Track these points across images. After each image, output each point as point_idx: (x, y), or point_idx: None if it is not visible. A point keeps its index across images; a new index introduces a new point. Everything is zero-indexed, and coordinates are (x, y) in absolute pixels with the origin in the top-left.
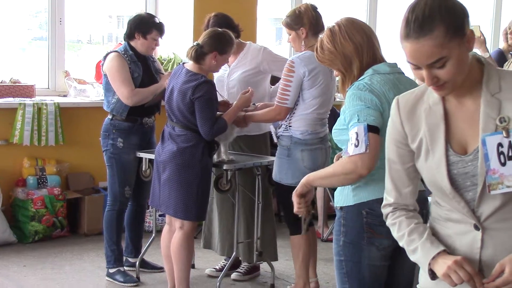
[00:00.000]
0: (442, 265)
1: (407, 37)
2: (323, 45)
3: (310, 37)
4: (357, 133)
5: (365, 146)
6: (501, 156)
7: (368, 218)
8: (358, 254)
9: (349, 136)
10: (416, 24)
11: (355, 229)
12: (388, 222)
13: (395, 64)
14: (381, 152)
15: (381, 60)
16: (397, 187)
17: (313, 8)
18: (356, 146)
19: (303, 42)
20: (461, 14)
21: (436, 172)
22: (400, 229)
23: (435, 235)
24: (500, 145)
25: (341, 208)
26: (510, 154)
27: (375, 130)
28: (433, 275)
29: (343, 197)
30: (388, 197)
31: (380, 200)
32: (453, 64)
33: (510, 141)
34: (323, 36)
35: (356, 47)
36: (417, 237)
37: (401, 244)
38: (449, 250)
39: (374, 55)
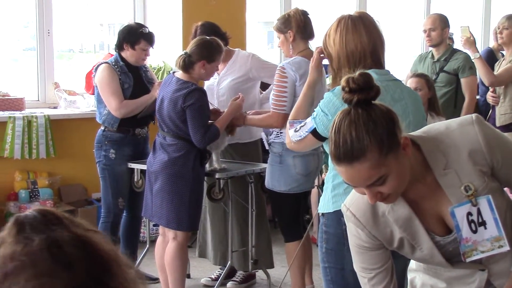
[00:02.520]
0: None
1: (339, 162)
2: (330, 34)
3: (298, 41)
4: (305, 124)
5: (298, 139)
6: (472, 224)
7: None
8: (341, 261)
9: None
10: (345, 148)
11: (335, 236)
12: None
13: (386, 71)
14: None
15: (376, 66)
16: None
17: (303, 13)
18: (296, 131)
19: (291, 46)
20: (389, 124)
21: (430, 260)
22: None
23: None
24: (469, 213)
25: (323, 214)
26: (480, 220)
27: (317, 136)
28: None
29: (324, 204)
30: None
31: None
32: (394, 177)
33: (478, 208)
34: (332, 25)
35: (350, 52)
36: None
37: None
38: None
39: (371, 61)
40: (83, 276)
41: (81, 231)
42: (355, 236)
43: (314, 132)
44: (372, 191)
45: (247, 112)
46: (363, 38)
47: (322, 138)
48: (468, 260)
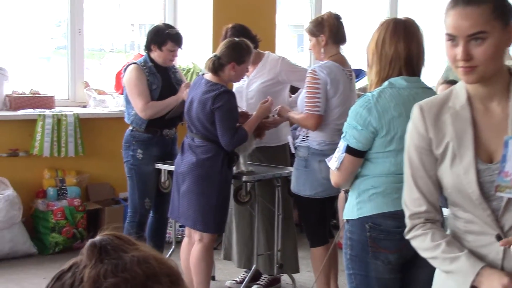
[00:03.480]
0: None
1: (455, 5)
2: (373, 32)
3: (330, 46)
4: (338, 148)
5: (338, 164)
6: None
7: (371, 232)
8: (365, 268)
9: None
10: None
11: (359, 243)
12: (415, 233)
13: (417, 79)
14: (379, 168)
15: (407, 72)
16: (424, 195)
17: (336, 17)
18: (333, 158)
19: (322, 49)
20: (510, 5)
21: (463, 178)
22: (434, 239)
23: None
24: None
25: (347, 221)
26: None
27: (353, 152)
28: None
29: (349, 210)
30: (415, 207)
31: (385, 214)
32: (491, 45)
33: None
34: (382, 23)
35: (384, 53)
36: (457, 248)
37: (430, 253)
38: None
39: (403, 67)
40: None
41: (150, 250)
42: (411, 133)
43: (349, 150)
44: (467, 48)
45: (274, 115)
46: (399, 43)
47: (359, 154)
48: (498, 194)
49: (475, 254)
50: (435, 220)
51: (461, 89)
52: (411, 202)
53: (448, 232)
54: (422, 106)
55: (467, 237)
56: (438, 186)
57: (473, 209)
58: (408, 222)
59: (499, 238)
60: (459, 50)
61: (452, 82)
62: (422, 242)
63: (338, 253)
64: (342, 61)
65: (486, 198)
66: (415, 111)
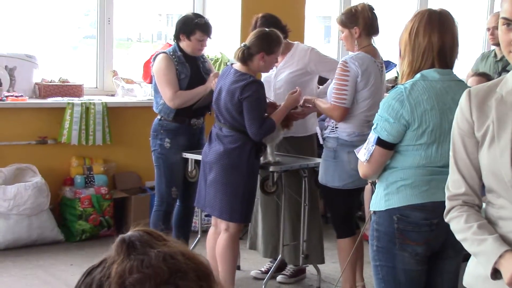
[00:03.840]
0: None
1: None
2: (406, 23)
3: (363, 38)
4: (368, 140)
5: (368, 156)
6: None
7: (399, 224)
8: (392, 259)
9: None
10: None
11: (386, 234)
12: (452, 215)
13: (449, 71)
14: (409, 161)
15: (440, 65)
16: (465, 177)
17: (370, 9)
18: (363, 150)
19: (356, 41)
20: None
21: (499, 159)
22: (468, 221)
23: None
24: None
25: (374, 212)
26: None
27: (383, 145)
28: (495, 274)
29: (376, 201)
30: (455, 189)
31: (413, 206)
32: None
33: None
34: (416, 14)
35: (417, 43)
36: (488, 231)
37: (462, 235)
38: None
39: (436, 59)
40: (194, 285)
41: (180, 245)
42: (457, 117)
43: (379, 143)
44: None
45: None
46: (433, 34)
47: (389, 146)
48: None
49: (505, 240)
50: (473, 204)
51: (511, 75)
52: (452, 183)
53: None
54: (470, 90)
55: (499, 223)
56: (479, 170)
57: (505, 192)
58: (447, 204)
59: None
60: None
61: (482, 75)
62: (457, 224)
63: (364, 245)
64: (374, 52)
65: None
66: (463, 95)
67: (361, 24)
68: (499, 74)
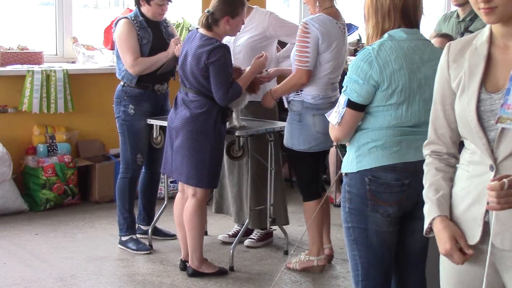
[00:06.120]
0: (439, 238)
1: None
2: None
3: None
4: (339, 103)
5: (339, 119)
6: None
7: (371, 185)
8: (364, 221)
9: None
10: None
11: (359, 196)
12: (423, 167)
13: (416, 30)
14: (379, 122)
15: (405, 24)
16: (434, 127)
17: None
18: (334, 113)
19: (317, 3)
20: None
21: (466, 106)
22: (425, 177)
23: (457, 179)
24: None
25: (346, 174)
26: None
27: (354, 106)
28: (429, 232)
29: (348, 164)
30: (428, 138)
31: (385, 167)
32: None
33: None
34: None
35: (379, 4)
36: (433, 193)
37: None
38: (464, 191)
39: (400, 18)
40: None
41: None
42: (440, 65)
43: (350, 104)
44: None
45: (268, 70)
46: None
47: (360, 108)
48: (499, 125)
49: (471, 184)
50: (441, 153)
51: (487, 28)
52: (429, 131)
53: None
54: (450, 44)
55: (469, 167)
56: (453, 120)
57: (472, 138)
58: (423, 151)
59: (491, 168)
60: None
61: (445, 36)
62: (424, 178)
63: (330, 208)
64: (335, 14)
65: (483, 128)
66: (444, 50)
67: None
68: (462, 35)
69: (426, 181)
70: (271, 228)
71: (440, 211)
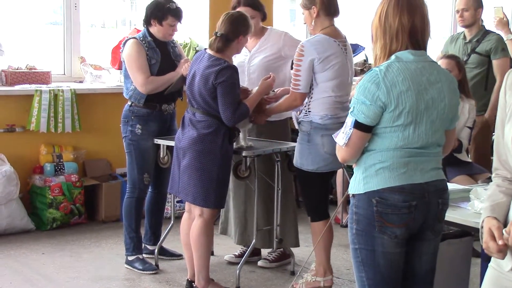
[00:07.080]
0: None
1: None
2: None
3: (322, 18)
4: (346, 123)
5: (346, 140)
6: None
7: (378, 206)
8: (371, 242)
9: None
10: None
11: (366, 217)
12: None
13: (423, 52)
14: (386, 143)
15: (413, 46)
16: (497, 153)
17: None
18: (341, 134)
19: (313, 22)
20: None
21: (508, 133)
22: (486, 195)
23: None
24: None
25: (353, 195)
26: None
27: (361, 127)
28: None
29: (355, 185)
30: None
31: (392, 189)
32: None
33: None
34: None
35: (388, 26)
36: (489, 202)
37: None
38: None
39: (407, 40)
40: None
41: None
42: (500, 95)
43: (357, 125)
44: None
45: (275, 90)
46: (403, 16)
47: (367, 129)
48: None
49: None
50: (504, 177)
51: None
52: (493, 157)
53: None
54: (510, 71)
55: None
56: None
57: None
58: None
59: None
60: None
61: (452, 57)
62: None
63: (335, 228)
64: (334, 33)
65: None
66: (505, 76)
67: (318, 3)
68: (469, 56)
69: (486, 197)
70: (278, 249)
71: (490, 213)
